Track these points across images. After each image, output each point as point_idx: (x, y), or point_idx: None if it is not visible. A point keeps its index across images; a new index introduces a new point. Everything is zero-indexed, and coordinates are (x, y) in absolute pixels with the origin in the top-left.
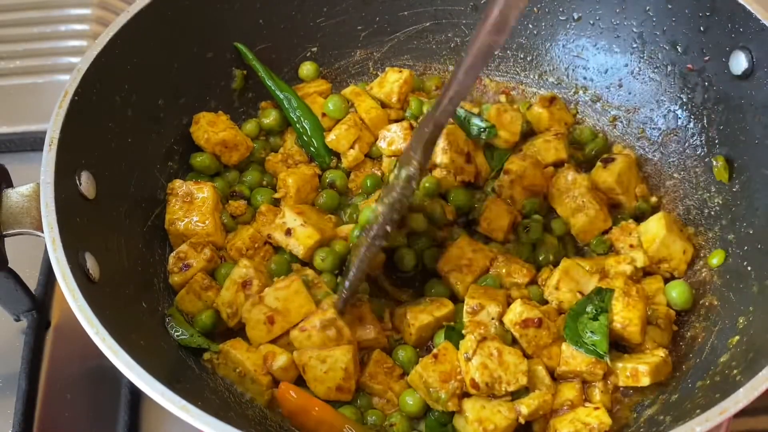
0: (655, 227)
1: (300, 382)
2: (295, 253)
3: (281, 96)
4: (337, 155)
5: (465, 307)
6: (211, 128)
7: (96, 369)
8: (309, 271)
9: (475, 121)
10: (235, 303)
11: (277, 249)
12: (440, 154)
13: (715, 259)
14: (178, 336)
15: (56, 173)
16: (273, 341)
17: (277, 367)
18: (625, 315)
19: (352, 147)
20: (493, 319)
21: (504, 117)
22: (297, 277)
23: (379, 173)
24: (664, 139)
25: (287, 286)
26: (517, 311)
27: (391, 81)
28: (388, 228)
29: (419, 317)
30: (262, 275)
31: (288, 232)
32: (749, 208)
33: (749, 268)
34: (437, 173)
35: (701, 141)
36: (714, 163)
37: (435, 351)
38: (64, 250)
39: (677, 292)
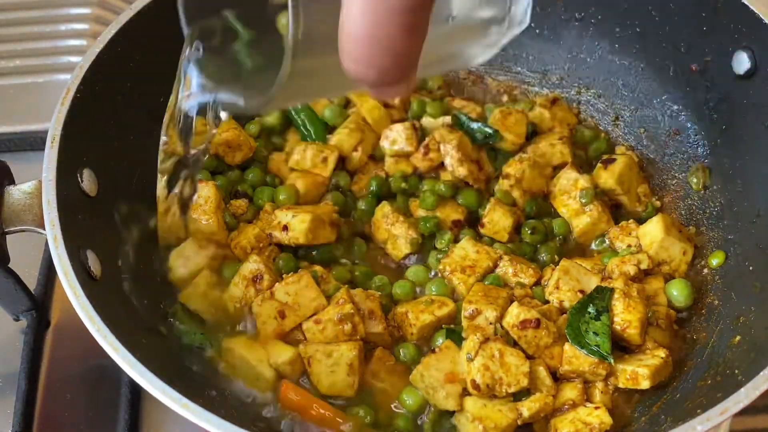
0: (653, 229)
1: (304, 378)
2: (297, 242)
3: None
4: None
5: (463, 311)
6: None
7: (96, 368)
8: (317, 267)
9: (480, 127)
10: (244, 298)
11: (282, 248)
12: (457, 166)
13: (715, 260)
14: (180, 333)
15: (58, 170)
16: (282, 336)
17: (282, 362)
18: (624, 317)
19: (355, 149)
20: (491, 323)
21: (509, 120)
22: (306, 272)
23: (383, 174)
24: (666, 139)
25: (297, 280)
26: (514, 313)
27: None
28: None
29: (421, 317)
30: (271, 271)
31: (284, 228)
32: (751, 208)
33: (751, 268)
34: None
35: (703, 141)
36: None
37: (437, 349)
38: (66, 248)
39: (677, 290)
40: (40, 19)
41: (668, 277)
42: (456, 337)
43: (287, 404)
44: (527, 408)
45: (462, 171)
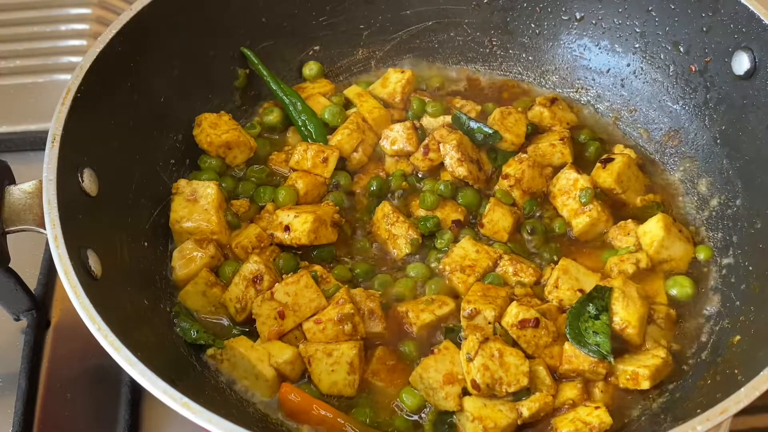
0: (653, 229)
1: (304, 378)
2: (299, 242)
3: (286, 100)
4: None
5: (461, 311)
6: (213, 130)
7: (96, 368)
8: (317, 267)
9: (480, 127)
10: (244, 298)
11: (283, 248)
12: (457, 166)
13: (701, 254)
14: (181, 333)
15: (59, 170)
16: (282, 336)
17: (283, 361)
18: (623, 316)
19: (355, 150)
20: (490, 323)
21: (508, 120)
22: (306, 272)
23: (383, 174)
24: (665, 139)
25: (296, 281)
26: (513, 313)
27: (394, 81)
28: None
29: (421, 316)
30: (272, 272)
31: (286, 229)
32: (751, 208)
33: (751, 268)
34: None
35: (703, 141)
36: None
37: (436, 350)
38: (66, 247)
39: (679, 286)
40: (41, 19)
41: (668, 277)
42: (455, 336)
43: (287, 405)
44: (527, 407)
45: (462, 171)
